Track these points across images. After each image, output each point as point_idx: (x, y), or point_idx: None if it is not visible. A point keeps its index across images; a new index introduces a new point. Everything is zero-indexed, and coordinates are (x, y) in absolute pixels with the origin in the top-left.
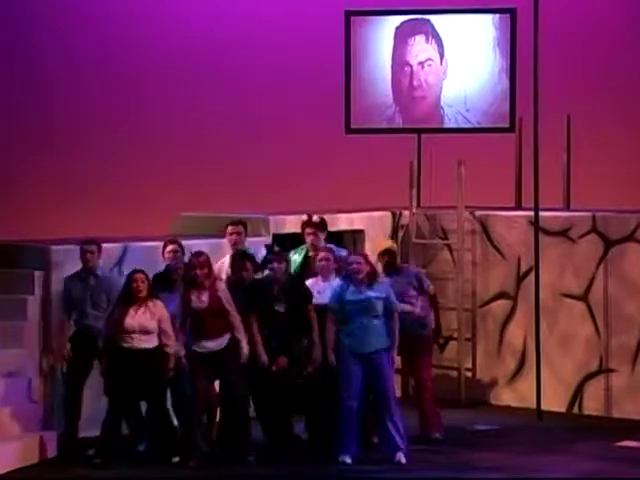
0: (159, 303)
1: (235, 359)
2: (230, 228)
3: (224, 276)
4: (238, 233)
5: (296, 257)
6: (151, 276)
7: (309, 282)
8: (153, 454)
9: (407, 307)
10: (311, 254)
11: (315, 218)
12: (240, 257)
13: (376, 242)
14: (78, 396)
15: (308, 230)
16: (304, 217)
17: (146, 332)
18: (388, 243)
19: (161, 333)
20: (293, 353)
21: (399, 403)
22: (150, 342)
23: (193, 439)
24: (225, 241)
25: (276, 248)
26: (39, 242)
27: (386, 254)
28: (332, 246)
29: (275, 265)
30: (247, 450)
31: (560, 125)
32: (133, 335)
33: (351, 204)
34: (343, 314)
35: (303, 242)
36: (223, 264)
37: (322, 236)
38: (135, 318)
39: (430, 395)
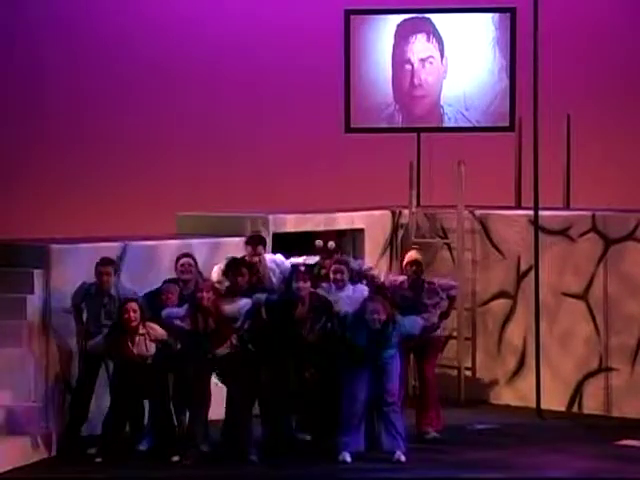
0: (153, 326)
1: (236, 362)
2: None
3: (215, 277)
4: (259, 254)
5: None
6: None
7: (324, 287)
8: (155, 453)
9: (421, 322)
10: (323, 271)
11: (330, 244)
12: (235, 263)
13: (406, 254)
14: (87, 397)
15: (323, 255)
16: (319, 243)
17: (144, 357)
18: (416, 255)
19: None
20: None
21: (403, 405)
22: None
23: (192, 437)
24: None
25: (302, 268)
26: (38, 241)
27: (413, 264)
28: (348, 258)
29: (300, 284)
30: (249, 449)
31: (560, 124)
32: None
33: (351, 203)
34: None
35: (304, 242)
36: (219, 268)
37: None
38: (134, 348)
39: (434, 393)
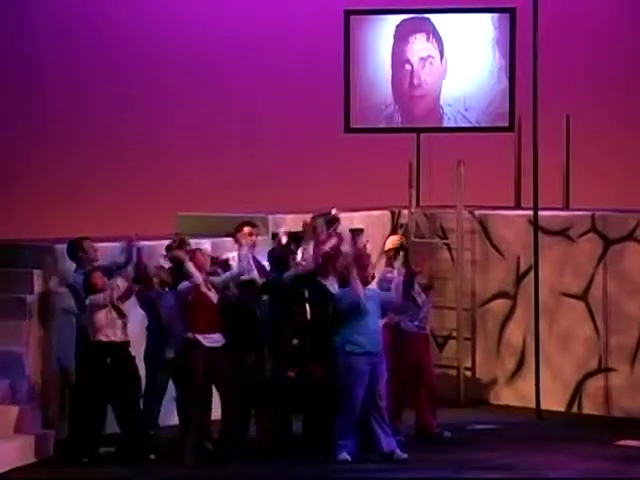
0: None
1: (224, 363)
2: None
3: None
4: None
5: None
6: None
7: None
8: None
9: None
10: None
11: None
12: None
13: (390, 239)
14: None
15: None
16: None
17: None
18: (399, 240)
19: None
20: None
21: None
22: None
23: (189, 437)
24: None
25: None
26: (38, 241)
27: (399, 251)
28: None
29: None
30: (238, 450)
31: (559, 124)
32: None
33: (350, 203)
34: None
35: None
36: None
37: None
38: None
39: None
